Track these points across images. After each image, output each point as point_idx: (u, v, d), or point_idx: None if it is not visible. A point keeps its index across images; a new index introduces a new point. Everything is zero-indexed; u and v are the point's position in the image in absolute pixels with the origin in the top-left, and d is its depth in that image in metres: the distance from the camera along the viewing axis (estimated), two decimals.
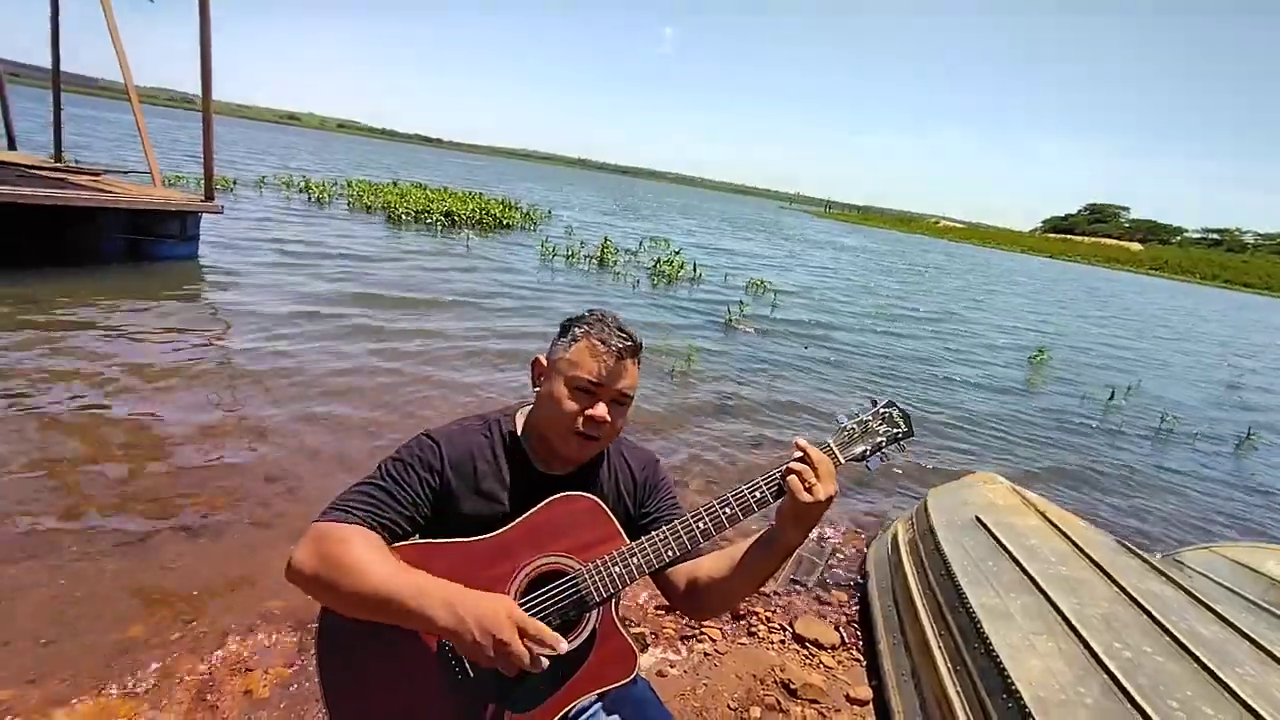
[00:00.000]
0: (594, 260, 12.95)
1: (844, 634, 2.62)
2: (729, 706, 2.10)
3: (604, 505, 1.11)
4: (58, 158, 9.74)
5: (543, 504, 1.09)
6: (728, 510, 1.07)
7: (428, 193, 18.40)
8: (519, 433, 1.20)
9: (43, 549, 2.54)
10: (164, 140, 26.06)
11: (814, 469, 1.03)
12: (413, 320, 6.73)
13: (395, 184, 20.04)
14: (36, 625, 2.18)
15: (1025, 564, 2.21)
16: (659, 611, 2.66)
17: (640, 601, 2.70)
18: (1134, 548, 2.49)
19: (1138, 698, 1.51)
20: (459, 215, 15.72)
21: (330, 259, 9.19)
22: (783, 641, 2.53)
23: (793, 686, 2.19)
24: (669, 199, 74.35)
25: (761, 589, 2.89)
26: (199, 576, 2.51)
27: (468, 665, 1.02)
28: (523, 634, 0.94)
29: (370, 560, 0.97)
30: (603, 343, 1.09)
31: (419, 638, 1.02)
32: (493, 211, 16.91)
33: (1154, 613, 1.89)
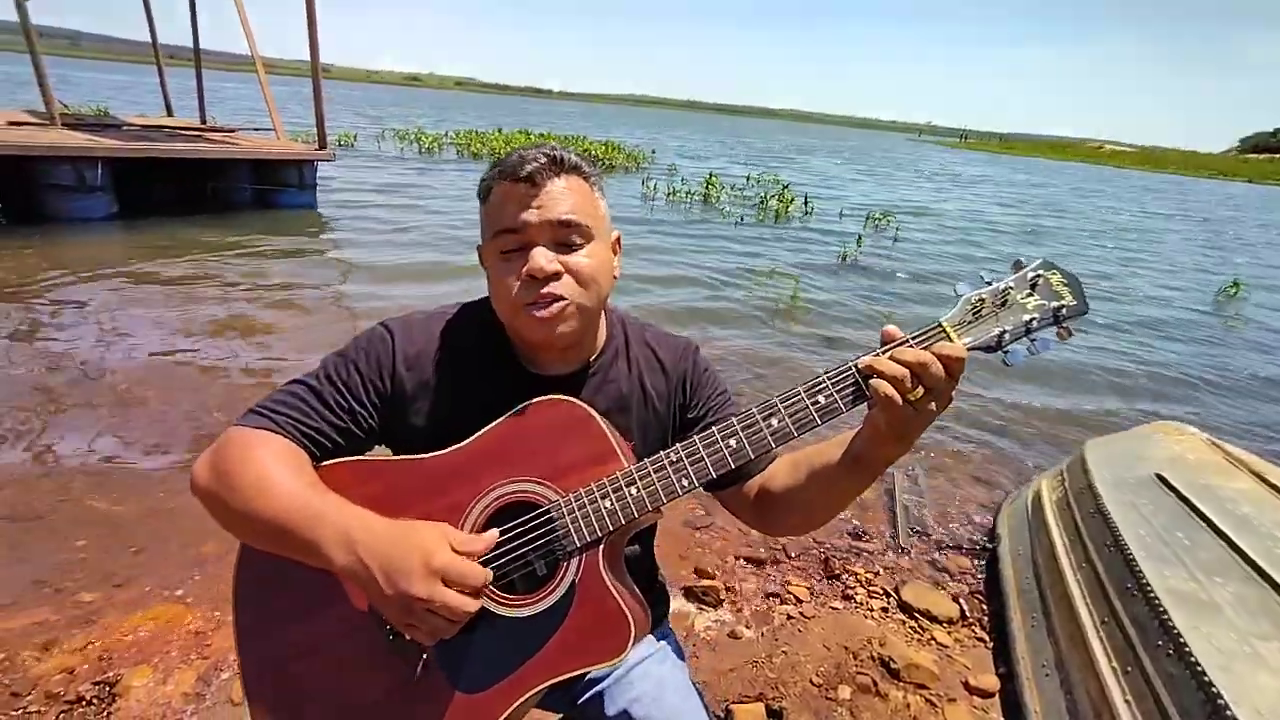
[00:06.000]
0: (697, 197, 12.33)
1: (965, 607, 2.15)
2: (812, 682, 1.75)
3: (596, 414, 0.79)
4: (203, 120, 10.66)
5: (515, 410, 0.79)
6: (774, 422, 0.71)
7: (532, 138, 18.45)
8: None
9: (151, 461, 2.69)
10: (304, 106, 28.15)
11: (912, 375, 0.64)
12: None
13: (500, 131, 20.28)
14: (133, 534, 2.28)
15: (1236, 539, 1.62)
16: (740, 562, 2.33)
17: (716, 548, 2.39)
18: None
19: None
20: None
21: (436, 201, 9.42)
22: (885, 610, 2.12)
23: (894, 665, 1.80)
24: (784, 137, 70.18)
25: (865, 547, 2.48)
26: None
27: None
28: (452, 585, 0.66)
29: (271, 477, 0.72)
30: (509, 174, 0.77)
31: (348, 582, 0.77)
32: (595, 153, 16.62)
33: None
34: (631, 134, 35.00)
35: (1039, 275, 0.69)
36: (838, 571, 2.31)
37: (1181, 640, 1.31)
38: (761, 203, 12.11)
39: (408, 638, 0.73)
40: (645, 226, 9.22)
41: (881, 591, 2.21)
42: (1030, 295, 0.69)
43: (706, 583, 2.16)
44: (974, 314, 0.69)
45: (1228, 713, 1.11)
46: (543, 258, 0.75)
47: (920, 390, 0.64)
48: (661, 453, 0.74)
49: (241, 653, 0.80)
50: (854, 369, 0.68)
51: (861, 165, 30.48)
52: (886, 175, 25.45)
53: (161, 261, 5.42)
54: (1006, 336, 0.68)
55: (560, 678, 0.73)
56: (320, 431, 0.79)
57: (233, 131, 9.36)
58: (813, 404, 0.69)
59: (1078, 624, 1.63)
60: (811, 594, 2.19)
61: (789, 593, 2.19)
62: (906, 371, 0.64)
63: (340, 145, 14.80)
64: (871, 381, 0.65)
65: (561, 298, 0.77)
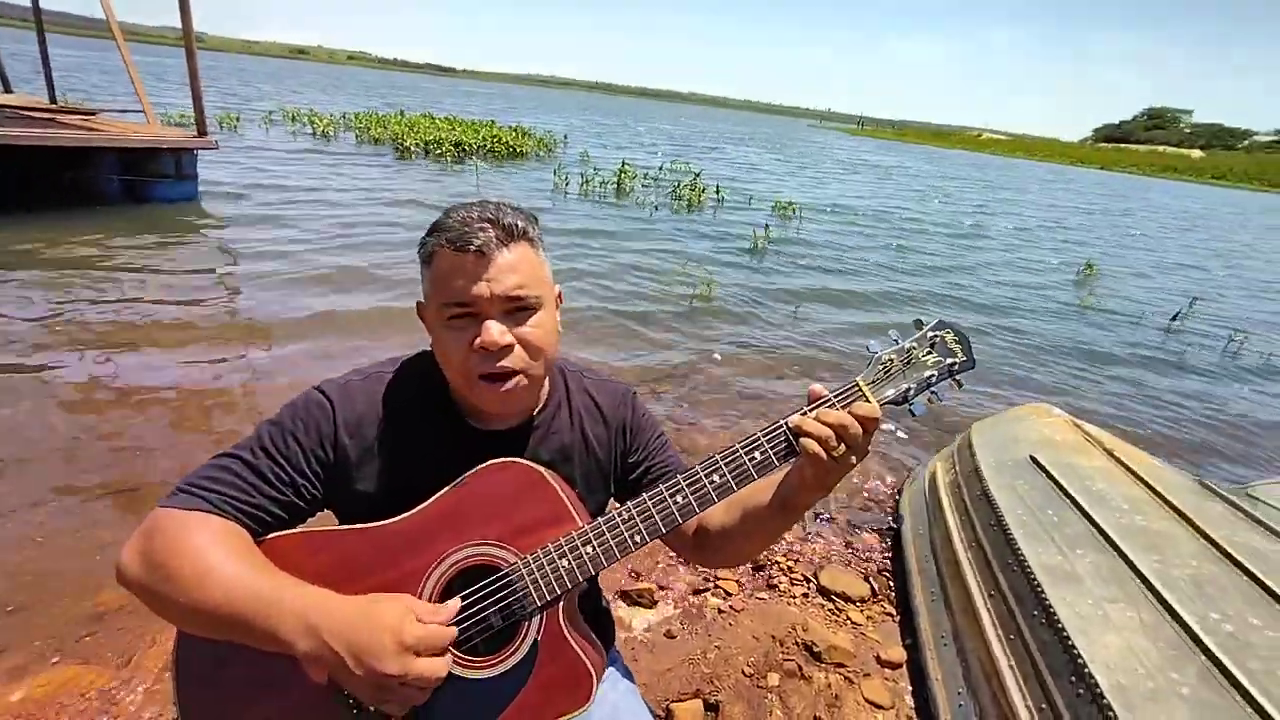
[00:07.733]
0: (610, 186, 12.32)
1: (874, 585, 2.36)
2: (744, 673, 1.88)
3: (549, 475, 0.82)
4: (52, 99, 9.41)
5: (468, 475, 0.81)
6: (716, 478, 0.78)
7: (437, 123, 17.65)
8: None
9: (18, 508, 2.41)
10: (180, 81, 25.34)
11: (835, 435, 0.73)
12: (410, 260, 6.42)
13: (403, 114, 19.27)
14: (6, 591, 2.06)
15: (1093, 513, 1.89)
16: (671, 562, 2.44)
17: (647, 549, 2.48)
18: (1218, 488, 2.14)
19: (1250, 687, 1.21)
20: (469, 145, 15.06)
21: (334, 194, 8.85)
22: (806, 595, 2.29)
23: (816, 649, 1.96)
24: (696, 124, 71.06)
25: (785, 536, 2.65)
26: None
27: None
28: (422, 654, 0.69)
29: (214, 565, 0.70)
30: (457, 245, 0.77)
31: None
32: (505, 140, 16.16)
33: (1257, 573, 1.57)
34: (541, 118, 34.27)
35: (937, 335, 0.80)
36: (762, 562, 2.46)
37: (1051, 609, 1.53)
38: (674, 192, 12.28)
39: (371, 709, 0.74)
40: (558, 220, 9.13)
41: (802, 578, 2.38)
42: (930, 353, 0.80)
43: (641, 585, 2.25)
44: (885, 372, 0.79)
45: (1085, 670, 1.32)
46: (496, 331, 0.77)
47: (843, 448, 0.73)
48: (614, 511, 0.79)
49: None
50: (785, 427, 0.76)
51: (778, 155, 31.45)
52: (801, 167, 26.42)
53: (6, 267, 4.79)
54: (911, 392, 0.78)
55: None
56: (260, 507, 0.78)
57: (93, 114, 8.34)
58: (750, 460, 0.77)
59: (969, 598, 1.84)
60: (740, 586, 2.33)
61: (718, 587, 2.31)
62: (831, 431, 0.72)
63: (222, 128, 13.55)
64: (801, 440, 0.74)
65: (515, 371, 0.80)
